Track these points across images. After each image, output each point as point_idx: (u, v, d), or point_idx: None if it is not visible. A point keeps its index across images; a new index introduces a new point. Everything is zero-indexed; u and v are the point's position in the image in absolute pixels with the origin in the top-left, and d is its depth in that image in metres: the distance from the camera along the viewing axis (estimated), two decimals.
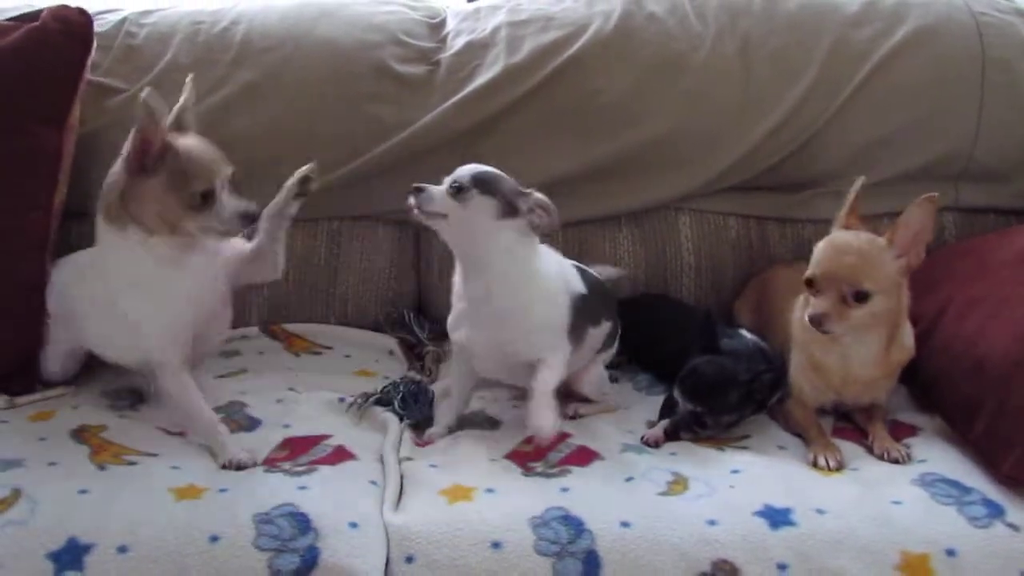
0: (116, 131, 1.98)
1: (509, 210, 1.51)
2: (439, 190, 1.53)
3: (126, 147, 1.50)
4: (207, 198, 1.47)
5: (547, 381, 1.48)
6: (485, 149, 2.03)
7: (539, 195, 1.53)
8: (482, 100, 2.03)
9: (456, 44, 2.11)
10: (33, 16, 1.90)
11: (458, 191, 1.51)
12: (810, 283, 1.55)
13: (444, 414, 1.65)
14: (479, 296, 1.53)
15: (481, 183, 1.52)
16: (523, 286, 1.51)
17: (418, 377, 1.82)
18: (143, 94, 1.45)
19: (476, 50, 2.09)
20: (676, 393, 1.57)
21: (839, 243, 1.57)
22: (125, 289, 1.54)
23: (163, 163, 1.43)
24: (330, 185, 1.94)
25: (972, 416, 1.49)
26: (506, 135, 2.03)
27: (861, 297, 1.52)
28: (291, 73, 2.04)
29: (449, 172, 2.02)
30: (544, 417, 1.45)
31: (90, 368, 1.81)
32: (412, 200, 1.52)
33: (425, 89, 2.06)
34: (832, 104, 2.04)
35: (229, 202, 1.49)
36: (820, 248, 1.58)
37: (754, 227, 2.07)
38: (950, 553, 1.26)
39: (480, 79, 2.04)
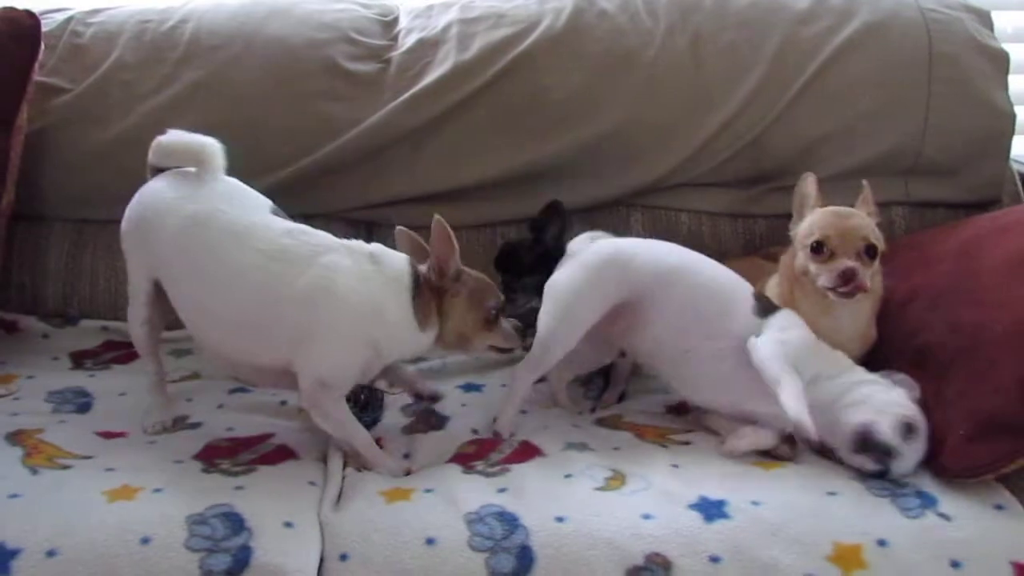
0: (60, 131, 2.01)
1: None
2: None
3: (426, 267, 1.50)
4: (497, 316, 1.52)
5: None
6: (436, 147, 2.04)
7: None
8: (432, 97, 2.02)
9: (407, 41, 2.11)
10: None
11: None
12: (818, 248, 1.56)
13: None
14: None
15: None
16: None
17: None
18: (437, 217, 1.45)
19: (427, 47, 2.08)
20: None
21: (838, 209, 1.62)
22: (370, 336, 1.46)
23: (462, 283, 1.49)
24: (280, 184, 1.94)
25: None
26: (457, 132, 2.03)
27: (872, 253, 1.56)
28: (240, 71, 2.03)
29: (401, 170, 2.05)
30: None
31: (36, 370, 1.81)
32: None
33: (376, 87, 2.05)
34: (782, 99, 2.05)
35: (505, 321, 1.54)
36: (819, 216, 1.61)
37: (706, 222, 2.08)
38: (882, 543, 1.26)
39: (430, 76, 2.04)
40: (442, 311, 1.49)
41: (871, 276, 1.57)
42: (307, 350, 1.44)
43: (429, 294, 1.48)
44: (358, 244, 1.51)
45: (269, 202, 1.58)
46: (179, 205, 1.51)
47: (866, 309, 1.61)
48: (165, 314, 1.60)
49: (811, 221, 1.61)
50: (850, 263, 1.53)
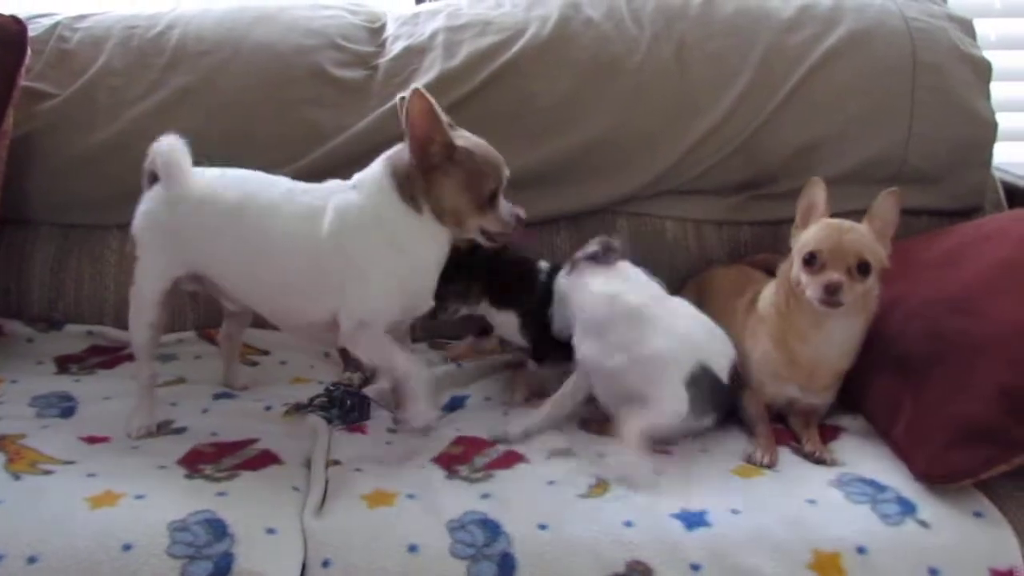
0: (46, 136, 2.01)
1: None
2: None
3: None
4: (493, 198, 1.50)
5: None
6: None
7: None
8: None
9: (394, 49, 2.11)
10: None
11: None
12: (810, 260, 1.57)
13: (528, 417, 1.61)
14: None
15: None
16: None
17: (355, 380, 1.81)
18: (412, 88, 1.45)
19: (413, 55, 2.09)
20: None
21: (837, 223, 1.61)
22: (399, 258, 1.51)
23: (456, 162, 1.47)
24: None
25: (892, 415, 1.52)
26: None
27: (864, 270, 1.56)
28: (227, 78, 2.03)
29: None
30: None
31: (21, 374, 1.80)
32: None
33: (363, 93, 2.06)
34: (767, 107, 2.06)
35: (504, 203, 1.53)
36: (816, 229, 1.61)
37: (691, 230, 2.09)
38: (861, 551, 1.27)
39: (417, 83, 2.02)
40: (432, 190, 1.49)
41: (865, 292, 1.56)
42: (346, 294, 1.49)
43: (413, 179, 1.48)
44: (339, 183, 1.57)
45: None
46: (213, 194, 1.55)
47: (859, 325, 1.61)
48: (169, 317, 1.63)
49: (809, 232, 1.62)
50: (837, 276, 1.52)
